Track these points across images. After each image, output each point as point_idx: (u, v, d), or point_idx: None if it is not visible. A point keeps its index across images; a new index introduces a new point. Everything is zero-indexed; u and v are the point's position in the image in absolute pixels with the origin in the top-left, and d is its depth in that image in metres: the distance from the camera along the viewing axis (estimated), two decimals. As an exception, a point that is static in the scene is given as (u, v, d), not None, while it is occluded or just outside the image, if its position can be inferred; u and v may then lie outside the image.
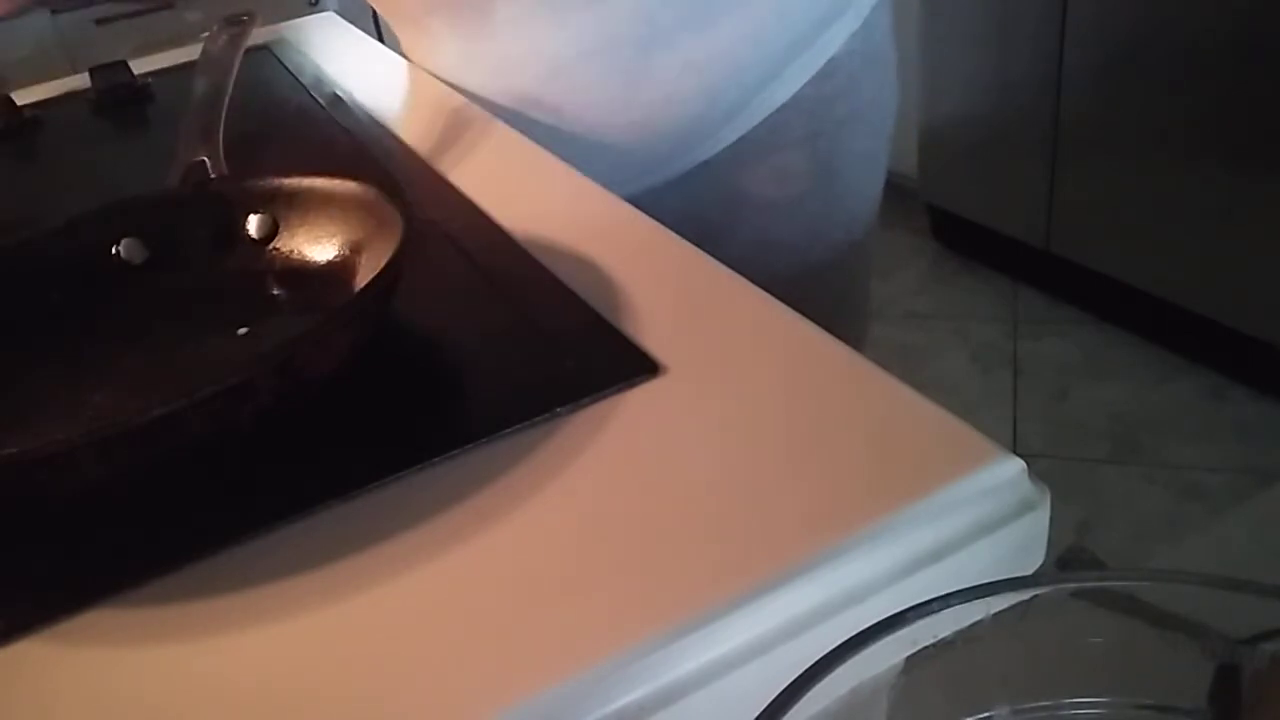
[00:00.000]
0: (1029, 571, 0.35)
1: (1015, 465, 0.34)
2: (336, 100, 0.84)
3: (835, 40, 0.70)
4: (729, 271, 0.47)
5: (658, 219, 0.49)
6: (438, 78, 0.80)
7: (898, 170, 1.19)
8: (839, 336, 0.39)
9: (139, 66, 0.99)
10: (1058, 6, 1.81)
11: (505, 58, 0.70)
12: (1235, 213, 1.65)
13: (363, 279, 0.47)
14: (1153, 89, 1.71)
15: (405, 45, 0.84)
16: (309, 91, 0.88)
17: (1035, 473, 0.34)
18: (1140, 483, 1.63)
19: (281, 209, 0.53)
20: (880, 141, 0.77)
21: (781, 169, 0.72)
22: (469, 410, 0.42)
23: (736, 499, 0.35)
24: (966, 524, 0.33)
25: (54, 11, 1.97)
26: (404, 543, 0.35)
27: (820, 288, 0.78)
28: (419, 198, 0.60)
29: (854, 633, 0.22)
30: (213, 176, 0.58)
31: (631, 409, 0.40)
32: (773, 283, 0.44)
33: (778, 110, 0.70)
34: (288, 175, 0.54)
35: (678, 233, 0.48)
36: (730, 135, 0.73)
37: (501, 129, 0.72)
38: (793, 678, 0.21)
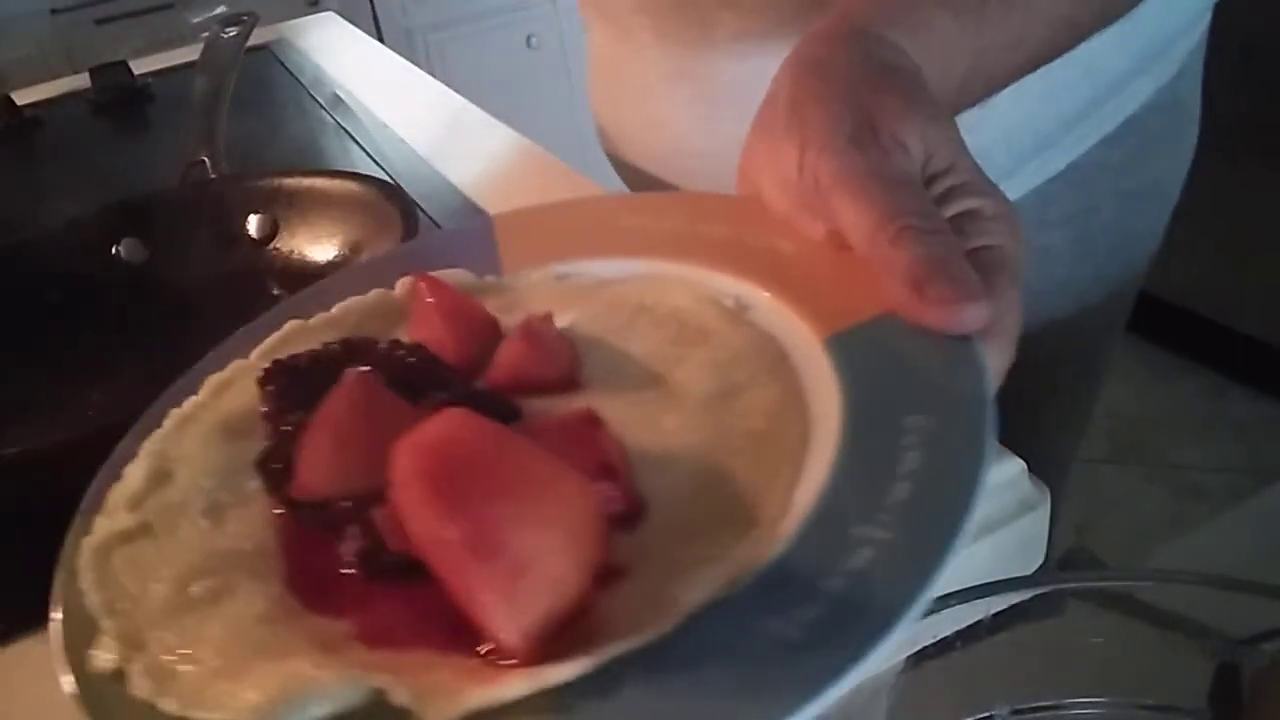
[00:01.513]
0: (1029, 571, 0.34)
1: (1015, 465, 0.34)
2: (336, 100, 0.84)
3: (1137, 97, 0.54)
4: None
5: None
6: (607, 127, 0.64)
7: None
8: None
9: (139, 66, 0.99)
10: (1058, 6, 1.81)
11: (730, 84, 0.54)
12: (1236, 213, 1.65)
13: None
14: (1153, 89, 1.71)
15: (596, 54, 0.65)
16: (309, 91, 0.88)
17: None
18: (1140, 483, 1.63)
19: (281, 209, 0.53)
20: (1164, 219, 0.62)
21: (1039, 251, 0.56)
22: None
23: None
24: (966, 524, 0.33)
25: (54, 11, 1.97)
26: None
27: (1055, 385, 0.65)
28: (419, 198, 0.60)
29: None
30: (213, 176, 0.58)
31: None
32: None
33: (1047, 181, 0.54)
34: (288, 175, 0.54)
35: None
36: None
37: (502, 129, 0.72)
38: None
